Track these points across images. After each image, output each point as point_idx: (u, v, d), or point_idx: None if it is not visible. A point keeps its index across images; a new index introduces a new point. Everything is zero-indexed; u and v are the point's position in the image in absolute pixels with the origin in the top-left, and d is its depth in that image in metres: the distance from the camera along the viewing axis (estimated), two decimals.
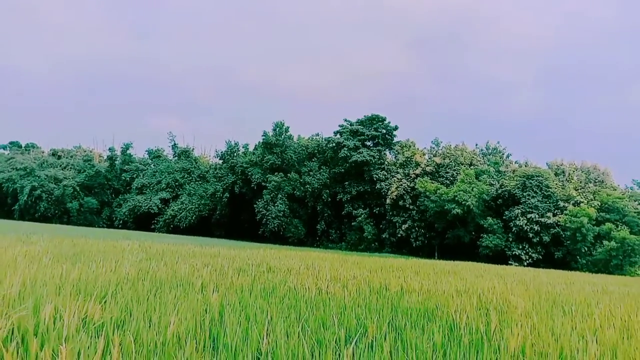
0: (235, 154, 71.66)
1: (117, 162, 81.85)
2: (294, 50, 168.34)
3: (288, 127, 66.37)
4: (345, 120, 63.56)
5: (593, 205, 44.93)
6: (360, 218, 57.82)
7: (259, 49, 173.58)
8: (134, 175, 78.42)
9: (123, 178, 79.28)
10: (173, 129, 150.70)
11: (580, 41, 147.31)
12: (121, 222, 73.21)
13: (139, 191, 74.64)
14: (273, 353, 4.05)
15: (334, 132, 63.64)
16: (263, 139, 65.37)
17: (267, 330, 4.52)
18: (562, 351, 4.83)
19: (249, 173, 64.75)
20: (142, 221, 71.31)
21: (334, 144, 61.77)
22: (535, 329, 5.96)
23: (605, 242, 41.44)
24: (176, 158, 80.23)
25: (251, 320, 5.08)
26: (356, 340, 4.54)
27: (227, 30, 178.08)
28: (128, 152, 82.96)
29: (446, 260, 34.44)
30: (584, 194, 46.70)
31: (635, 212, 45.59)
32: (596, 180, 49.28)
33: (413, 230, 53.57)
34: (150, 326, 4.45)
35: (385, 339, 4.81)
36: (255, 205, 62.84)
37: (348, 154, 58.79)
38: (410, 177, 54.86)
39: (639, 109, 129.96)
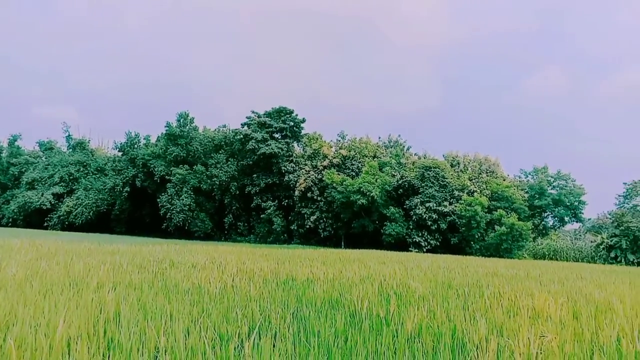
0: (135, 145, 68.30)
1: (3, 155, 75.02)
2: (201, 41, 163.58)
3: (193, 118, 64.46)
4: (253, 112, 62.96)
5: (485, 194, 48.33)
6: (269, 210, 57.72)
7: (163, 38, 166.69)
8: (23, 169, 72.25)
9: (11, 172, 72.85)
10: (68, 120, 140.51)
11: (473, 37, 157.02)
12: (10, 220, 67.29)
13: (30, 186, 68.92)
14: (172, 350, 3.92)
15: (242, 124, 62.79)
16: (166, 130, 62.91)
17: (166, 327, 4.37)
18: (455, 331, 5.14)
19: (152, 166, 62.13)
20: (34, 219, 66.02)
21: (241, 136, 60.96)
22: (431, 311, 6.29)
23: (496, 228, 44.76)
24: (71, 150, 74.98)
25: (150, 318, 4.89)
26: (259, 333, 4.53)
27: (130, 15, 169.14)
28: (16, 144, 76.32)
29: (352, 249, 35.44)
30: (477, 184, 50.10)
31: (522, 200, 49.66)
32: (488, 171, 52.98)
33: (321, 221, 54.44)
34: (37, 330, 4.14)
35: (288, 329, 4.85)
36: (158, 200, 60.48)
37: (256, 146, 58.34)
38: (318, 169, 55.65)
39: (526, 106, 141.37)
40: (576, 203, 53.54)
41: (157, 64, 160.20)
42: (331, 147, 59.28)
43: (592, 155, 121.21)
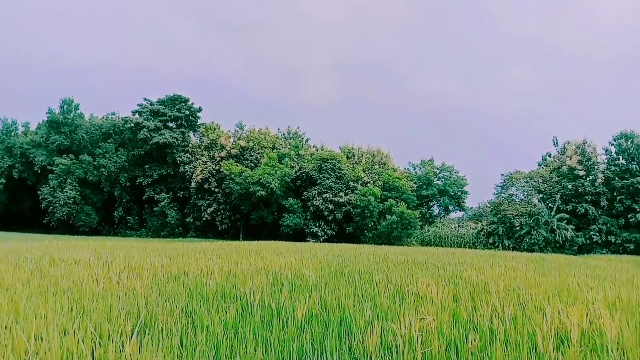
0: (12, 134, 62.36)
1: None
2: (86, 24, 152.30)
3: (78, 105, 60.06)
4: (146, 99, 60.03)
5: (378, 185, 50.42)
6: (163, 203, 55.60)
7: (47, 21, 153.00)
8: None
9: None
10: None
11: (368, 32, 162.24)
12: None
13: None
14: (45, 355, 3.63)
15: (133, 112, 59.59)
16: (48, 117, 58.00)
17: (39, 330, 4.04)
18: (343, 317, 5.30)
19: (31, 155, 57.11)
20: None
21: (133, 125, 57.89)
22: (322, 299, 6.43)
23: (388, 217, 46.88)
24: None
25: (23, 320, 4.49)
26: (144, 330, 4.34)
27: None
28: None
29: (251, 241, 35.25)
30: (370, 175, 52.09)
31: (411, 191, 52.46)
32: (380, 163, 55.32)
33: (219, 213, 53.54)
34: None
35: (176, 324, 4.70)
36: (39, 192, 55.82)
37: (149, 135, 55.77)
38: (216, 160, 54.56)
39: (416, 100, 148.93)
40: (459, 193, 57.70)
41: (39, 51, 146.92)
42: (229, 137, 58.34)
43: (475, 148, 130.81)
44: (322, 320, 5.18)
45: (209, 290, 7.10)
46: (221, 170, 52.09)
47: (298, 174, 50.78)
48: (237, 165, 51.47)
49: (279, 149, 56.10)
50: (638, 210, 43.14)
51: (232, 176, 49.76)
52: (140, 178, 57.31)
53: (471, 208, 66.14)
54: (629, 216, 43.68)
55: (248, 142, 55.96)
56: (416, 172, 59.86)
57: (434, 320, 4.64)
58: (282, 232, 48.05)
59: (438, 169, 58.95)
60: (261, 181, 47.50)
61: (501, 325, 4.94)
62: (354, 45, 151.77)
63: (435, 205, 61.19)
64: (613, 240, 44.10)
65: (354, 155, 55.78)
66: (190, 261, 12.40)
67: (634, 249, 42.79)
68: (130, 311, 5.29)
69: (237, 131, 59.41)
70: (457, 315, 5.63)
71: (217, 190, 53.25)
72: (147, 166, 57.59)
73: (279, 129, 63.43)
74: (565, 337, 4.61)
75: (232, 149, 55.18)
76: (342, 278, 9.49)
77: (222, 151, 54.94)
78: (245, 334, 4.50)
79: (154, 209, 56.59)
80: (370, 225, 48.50)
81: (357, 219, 48.07)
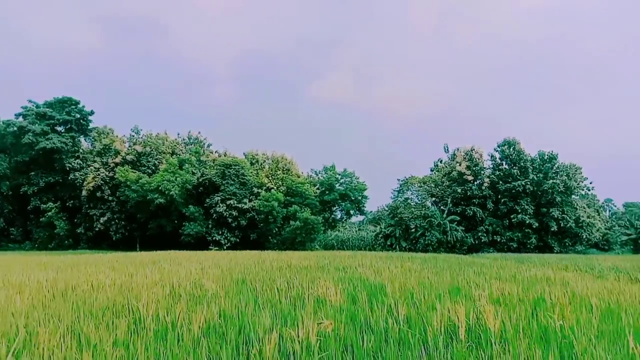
0: None
1: None
2: None
3: None
4: (30, 101, 55.38)
5: (282, 191, 50.54)
6: (50, 213, 51.43)
7: None
8: None
9: None
10: None
11: (268, 36, 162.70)
12: None
13: None
14: None
15: (16, 115, 54.68)
16: None
17: None
18: (242, 326, 5.20)
19: None
20: None
21: (15, 128, 53.02)
22: (221, 309, 6.27)
23: (291, 222, 47.13)
24: None
25: None
26: (21, 352, 3.96)
27: None
28: None
29: (148, 251, 33.71)
30: (274, 181, 52.06)
31: (314, 196, 53.21)
32: (284, 168, 55.47)
33: (113, 222, 50.60)
34: None
35: (59, 343, 4.34)
36: None
37: (34, 140, 51.40)
38: (109, 166, 51.51)
39: (317, 106, 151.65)
40: (360, 197, 59.44)
41: None
42: (124, 142, 55.34)
43: (374, 154, 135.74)
44: (220, 331, 5.04)
45: (99, 305, 6.66)
46: (115, 176, 49.27)
47: (200, 180, 49.43)
48: (133, 172, 49.03)
49: (179, 154, 54.29)
50: (519, 211, 47.11)
51: (128, 183, 47.30)
52: (24, 186, 52.65)
53: (371, 212, 68.56)
54: (512, 216, 47.58)
55: (145, 147, 53.48)
56: (319, 178, 60.77)
57: (331, 323, 4.70)
58: (182, 240, 46.49)
59: (339, 174, 60.27)
60: (160, 188, 45.64)
61: (395, 324, 5.12)
62: (256, 48, 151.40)
63: (337, 210, 62.53)
64: (498, 240, 47.78)
65: (257, 161, 55.43)
66: (80, 274, 11.59)
67: (516, 247, 46.69)
68: (6, 332, 4.80)
69: (133, 135, 56.52)
70: (354, 317, 5.76)
71: (110, 198, 50.29)
72: (32, 173, 53.06)
73: (178, 134, 61.47)
74: (454, 333, 4.88)
75: (128, 154, 52.41)
76: (244, 286, 9.35)
77: (117, 157, 51.98)
78: (136, 350, 4.26)
79: (40, 220, 52.17)
80: (274, 231, 48.44)
81: (261, 225, 47.81)
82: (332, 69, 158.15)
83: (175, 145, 56.86)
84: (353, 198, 58.93)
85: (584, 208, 49.36)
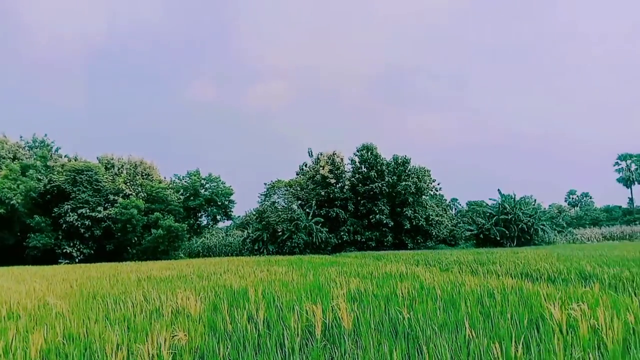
0: None
1: None
2: None
3: None
4: None
5: (142, 197, 47.92)
6: None
7: None
8: None
9: None
10: None
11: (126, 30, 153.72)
12: None
13: None
14: None
15: None
16: None
17: None
18: (88, 344, 4.80)
19: None
20: None
21: None
22: (67, 328, 5.73)
23: (153, 231, 44.87)
24: None
25: None
26: None
27: None
28: None
29: None
30: (132, 187, 49.17)
31: (178, 202, 51.30)
32: (143, 174, 52.70)
33: None
34: None
35: None
36: None
37: None
38: None
39: (182, 112, 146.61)
40: (226, 202, 58.62)
41: None
42: None
43: (242, 158, 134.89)
44: (62, 353, 4.59)
45: None
46: None
47: (47, 187, 44.89)
48: None
49: (22, 159, 48.83)
50: (377, 211, 50.00)
51: None
52: None
53: (238, 217, 67.90)
54: (370, 217, 50.34)
55: None
56: (182, 183, 58.69)
57: (185, 335, 4.52)
58: (27, 255, 41.87)
59: (204, 179, 58.79)
60: (0, 197, 40.68)
61: (254, 330, 5.09)
62: (113, 50, 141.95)
63: (203, 216, 60.97)
64: (359, 239, 50.26)
65: (113, 166, 51.83)
66: None
67: (375, 245, 49.48)
68: None
69: None
70: (213, 326, 5.62)
71: None
72: None
73: (21, 137, 55.30)
74: (311, 333, 4.99)
75: None
76: (95, 302, 8.66)
77: None
78: None
79: None
80: (133, 241, 45.74)
81: (119, 234, 44.85)
82: (198, 72, 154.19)
83: (18, 149, 51.09)
84: (219, 203, 57.90)
85: (433, 207, 53.93)
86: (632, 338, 4.28)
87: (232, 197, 59.12)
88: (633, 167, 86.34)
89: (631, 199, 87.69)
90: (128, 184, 49.26)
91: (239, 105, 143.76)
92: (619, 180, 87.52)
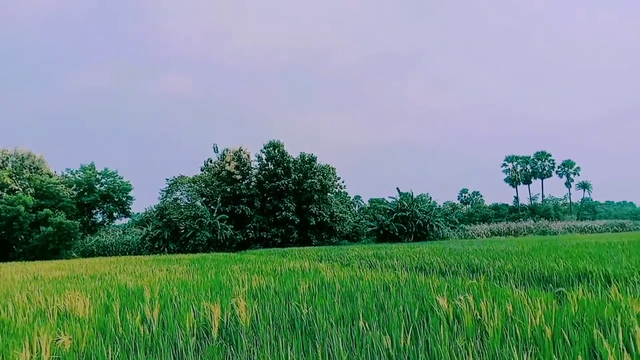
0: None
1: None
2: None
3: None
4: None
5: (30, 193, 44.27)
6: None
7: None
8: None
9: None
10: None
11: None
12: None
13: None
14: None
15: None
16: None
17: None
18: None
19: None
20: None
21: None
22: None
23: (42, 228, 41.59)
24: None
25: None
26: None
27: None
28: None
29: None
30: (19, 181, 45.27)
31: (70, 198, 47.98)
32: (31, 167, 48.71)
33: None
34: None
35: None
36: None
37: None
38: None
39: (73, 101, 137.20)
40: (124, 198, 55.80)
41: None
42: None
43: (142, 153, 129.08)
44: None
45: None
46: None
47: None
48: None
49: None
50: (283, 208, 50.18)
51: None
52: None
53: (138, 213, 64.91)
54: (277, 214, 50.41)
55: None
56: (76, 178, 54.88)
57: (70, 338, 4.24)
58: None
59: (100, 174, 55.42)
60: None
61: (147, 331, 4.90)
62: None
63: (99, 212, 57.51)
64: (265, 236, 50.13)
65: None
66: None
67: (280, 242, 49.63)
68: None
69: None
70: (104, 328, 5.34)
71: None
72: None
73: None
74: (207, 333, 4.90)
75: None
76: None
77: None
78: None
79: None
80: (20, 239, 42.12)
81: (3, 232, 41.09)
82: (95, 60, 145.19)
83: None
84: (116, 199, 54.95)
85: (338, 204, 55.13)
86: (510, 326, 4.66)
87: (130, 193, 56.38)
88: (518, 168, 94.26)
89: (516, 198, 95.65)
90: (14, 178, 45.23)
91: (140, 96, 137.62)
92: (506, 180, 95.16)
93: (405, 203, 53.07)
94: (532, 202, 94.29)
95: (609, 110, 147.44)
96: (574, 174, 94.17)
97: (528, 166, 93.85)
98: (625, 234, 42.58)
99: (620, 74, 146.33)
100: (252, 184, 51.52)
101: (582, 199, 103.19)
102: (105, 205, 55.16)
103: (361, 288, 7.83)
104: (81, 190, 52.76)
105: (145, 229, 50.02)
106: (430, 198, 57.45)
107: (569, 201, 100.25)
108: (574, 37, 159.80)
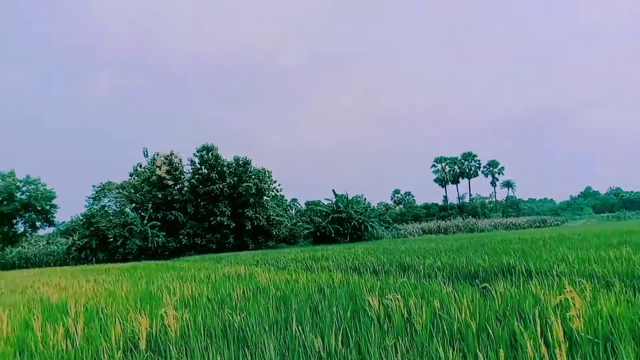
0: None
1: None
2: None
3: None
4: None
5: None
6: None
7: None
8: None
9: None
10: None
11: None
12: None
13: None
14: None
15: None
16: None
17: None
18: None
19: None
20: None
21: None
22: None
23: None
24: None
25: None
26: None
27: None
28: None
29: None
30: None
31: None
32: None
33: None
34: None
35: None
36: None
37: None
38: None
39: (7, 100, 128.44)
40: (47, 207, 52.88)
41: None
42: None
43: (66, 157, 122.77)
44: None
45: None
46: None
47: None
48: None
49: None
50: (218, 213, 49.33)
51: None
52: None
53: (62, 222, 61.65)
54: (211, 219, 49.48)
55: None
56: None
57: None
58: None
59: (21, 181, 52.19)
60: None
61: (70, 347, 4.66)
62: None
63: (20, 222, 54.13)
64: (199, 242, 49.03)
65: None
66: None
67: (216, 247, 48.73)
68: None
69: None
70: (23, 345, 5.03)
71: None
72: None
73: None
74: (135, 345, 4.72)
75: None
76: None
77: None
78: None
79: None
80: None
81: None
82: (16, 58, 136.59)
83: None
84: (39, 208, 51.97)
85: (274, 208, 54.92)
86: (437, 322, 4.81)
87: (54, 201, 53.59)
88: (447, 168, 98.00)
89: (445, 197, 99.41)
90: None
91: (66, 99, 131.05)
92: (435, 180, 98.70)
93: (341, 205, 53.69)
94: (461, 201, 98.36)
95: (528, 112, 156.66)
96: (499, 173, 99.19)
97: (456, 166, 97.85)
98: (546, 229, 45.22)
99: (542, 75, 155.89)
100: (185, 188, 50.32)
101: (506, 197, 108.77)
102: (27, 215, 52.00)
103: (296, 291, 7.83)
104: (0, 199, 49.44)
105: (71, 238, 47.55)
106: (365, 199, 58.51)
107: (494, 199, 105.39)
108: (497, 40, 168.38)
